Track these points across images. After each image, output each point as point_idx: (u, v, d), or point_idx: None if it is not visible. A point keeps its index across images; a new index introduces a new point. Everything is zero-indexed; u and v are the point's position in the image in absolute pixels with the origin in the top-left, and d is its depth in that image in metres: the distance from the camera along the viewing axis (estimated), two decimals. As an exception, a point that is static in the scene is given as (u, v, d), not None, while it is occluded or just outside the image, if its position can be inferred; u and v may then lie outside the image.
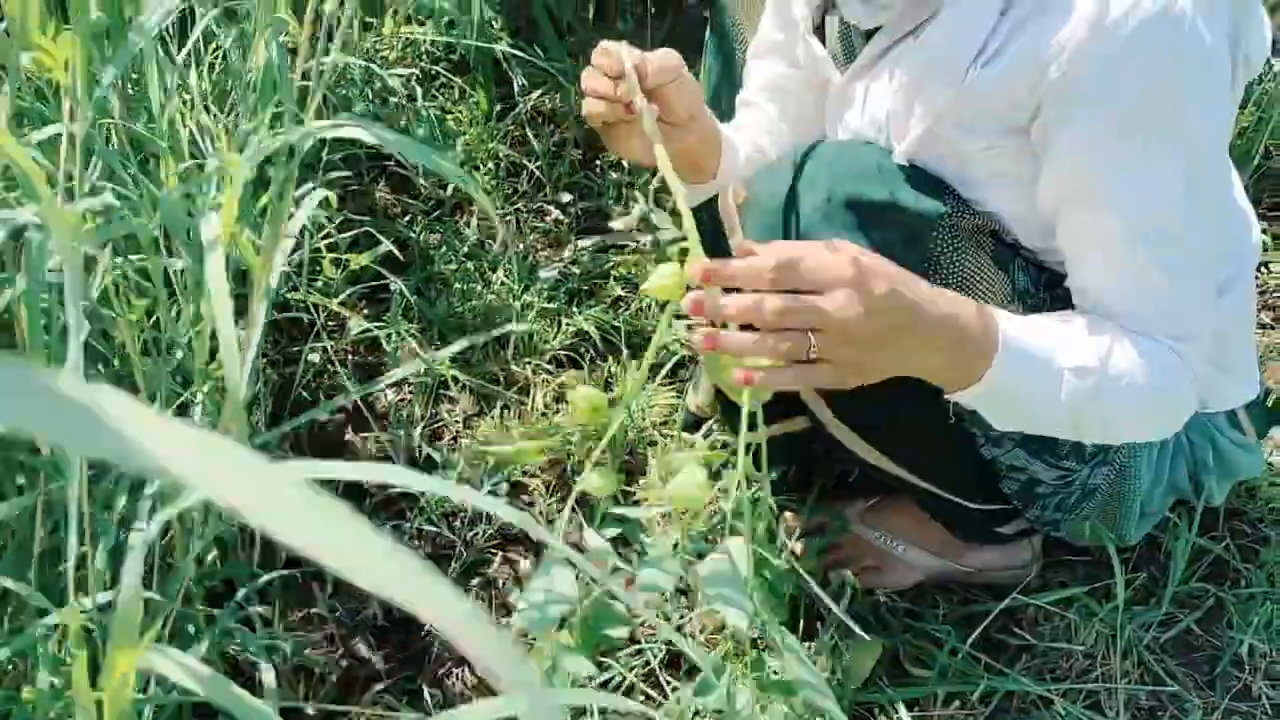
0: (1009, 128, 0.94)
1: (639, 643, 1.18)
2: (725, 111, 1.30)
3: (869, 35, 1.02)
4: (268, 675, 0.99)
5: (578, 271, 1.60)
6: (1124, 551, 1.21)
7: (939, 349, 0.88)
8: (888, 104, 0.99)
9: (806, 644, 1.18)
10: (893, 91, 0.98)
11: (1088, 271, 0.96)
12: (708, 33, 1.32)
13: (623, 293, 1.58)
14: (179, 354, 1.03)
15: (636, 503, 1.32)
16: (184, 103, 1.33)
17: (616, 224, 1.68)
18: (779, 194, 0.98)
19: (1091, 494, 1.09)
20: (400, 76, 1.72)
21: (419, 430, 1.37)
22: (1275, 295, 1.61)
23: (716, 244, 1.04)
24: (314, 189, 1.10)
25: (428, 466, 1.34)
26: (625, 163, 1.76)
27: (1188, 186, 0.91)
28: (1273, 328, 1.55)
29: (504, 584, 1.25)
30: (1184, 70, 0.87)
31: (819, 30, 1.09)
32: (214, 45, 1.50)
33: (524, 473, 1.35)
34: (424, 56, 1.83)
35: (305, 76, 1.29)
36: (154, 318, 1.07)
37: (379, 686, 1.14)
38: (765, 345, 0.81)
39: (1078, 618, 1.20)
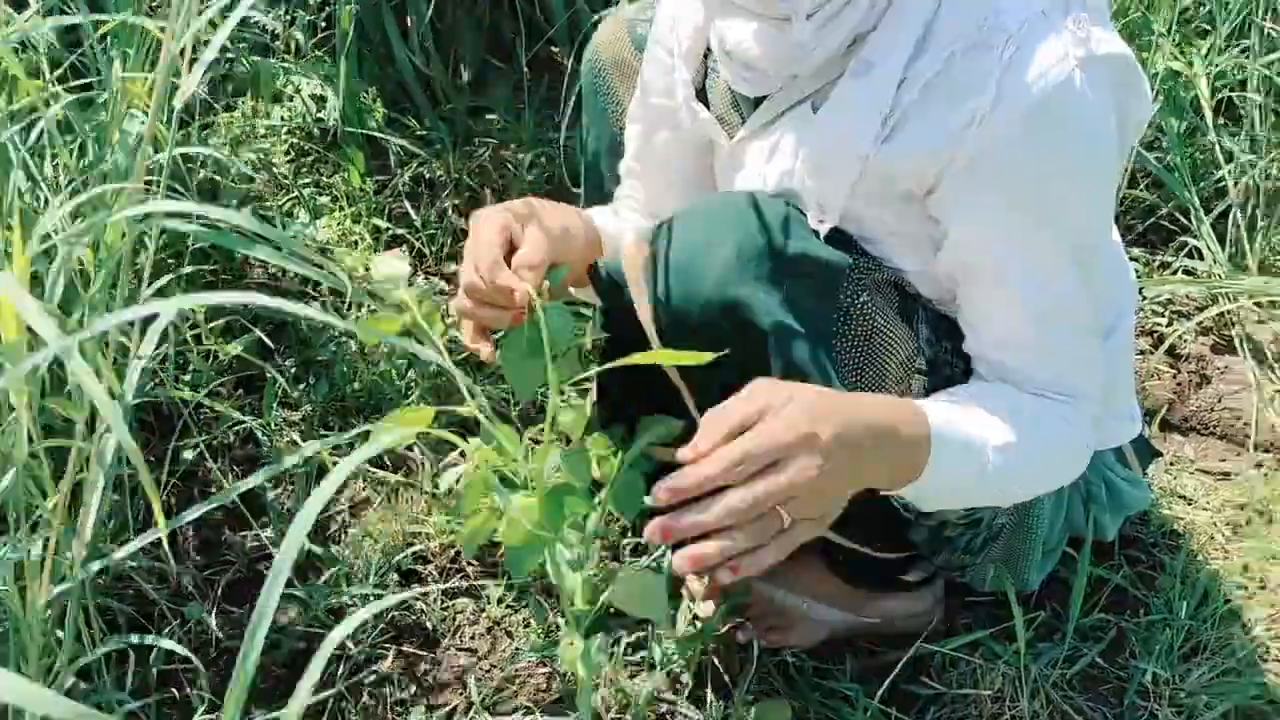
0: (905, 196, 0.95)
1: (542, 730, 1.14)
2: (607, 175, 1.29)
3: (757, 101, 1.02)
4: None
5: (463, 343, 1.56)
6: (1025, 589, 1.20)
7: (886, 460, 0.88)
8: (786, 174, 0.99)
9: (716, 708, 1.15)
10: (791, 163, 0.98)
11: (983, 338, 0.99)
12: (584, 98, 1.31)
13: (511, 362, 1.54)
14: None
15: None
16: (34, 194, 1.27)
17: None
18: (685, 248, 0.96)
19: (998, 535, 1.10)
20: (262, 157, 1.67)
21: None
22: (1147, 322, 1.65)
23: (619, 302, 1.02)
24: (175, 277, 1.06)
25: (311, 561, 1.29)
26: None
27: (1078, 260, 0.94)
28: (1151, 352, 1.59)
29: (398, 679, 1.19)
30: (1076, 150, 0.90)
31: (700, 93, 1.09)
32: (70, 135, 1.44)
33: (415, 558, 1.29)
34: (296, 132, 1.79)
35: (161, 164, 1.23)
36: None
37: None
38: (742, 541, 0.80)
39: (983, 661, 1.19)
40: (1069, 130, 0.89)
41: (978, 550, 1.13)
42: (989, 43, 0.89)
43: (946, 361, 1.03)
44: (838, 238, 0.99)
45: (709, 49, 1.09)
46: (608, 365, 0.87)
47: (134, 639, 1.03)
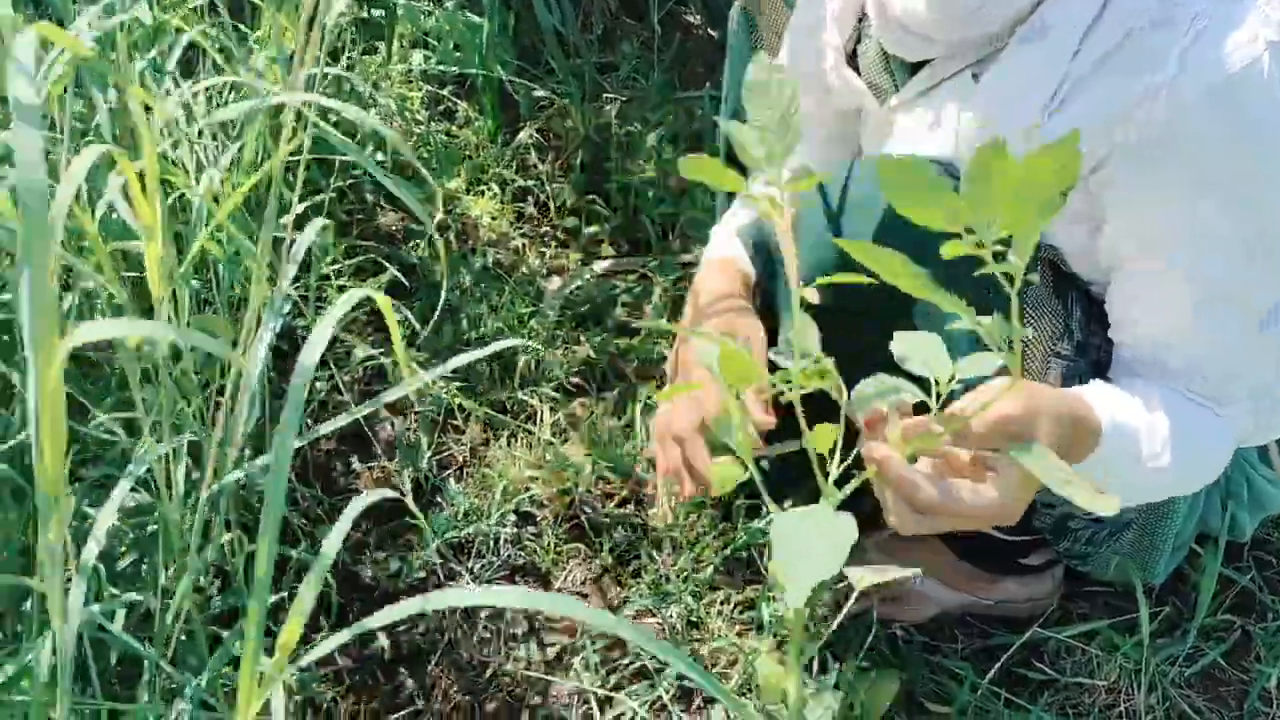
0: None
1: (651, 677, 1.15)
2: None
3: (913, 67, 1.01)
4: (277, 701, 0.96)
5: (583, 297, 1.58)
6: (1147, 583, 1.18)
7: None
8: (944, 143, 0.97)
9: (822, 677, 1.15)
10: (951, 132, 0.96)
11: (1139, 324, 0.95)
12: (726, 59, 1.30)
13: (627, 318, 1.56)
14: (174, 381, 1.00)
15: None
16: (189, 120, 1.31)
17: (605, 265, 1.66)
18: (827, 215, 0.96)
19: (1125, 527, 1.07)
20: (399, 102, 1.71)
21: (426, 459, 1.35)
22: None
23: (767, 268, 1.02)
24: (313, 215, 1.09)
25: (434, 496, 1.32)
26: (631, 189, 1.75)
27: (1256, 249, 0.90)
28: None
29: (511, 616, 1.22)
30: (1261, 133, 0.86)
31: (850, 57, 1.08)
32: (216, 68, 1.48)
33: (532, 502, 1.32)
34: (431, 80, 1.82)
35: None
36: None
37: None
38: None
39: (1100, 652, 1.17)
40: (1253, 112, 0.85)
41: (1102, 541, 1.10)
42: (1174, 18, 0.86)
43: (1096, 346, 1.00)
44: None
45: (863, 12, 1.07)
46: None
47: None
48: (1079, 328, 0.98)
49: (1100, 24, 0.88)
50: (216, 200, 1.22)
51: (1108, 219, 0.93)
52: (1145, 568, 1.12)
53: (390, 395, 1.09)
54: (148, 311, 1.06)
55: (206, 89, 1.41)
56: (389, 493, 0.72)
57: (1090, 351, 0.98)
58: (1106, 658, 1.16)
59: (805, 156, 1.19)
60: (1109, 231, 0.93)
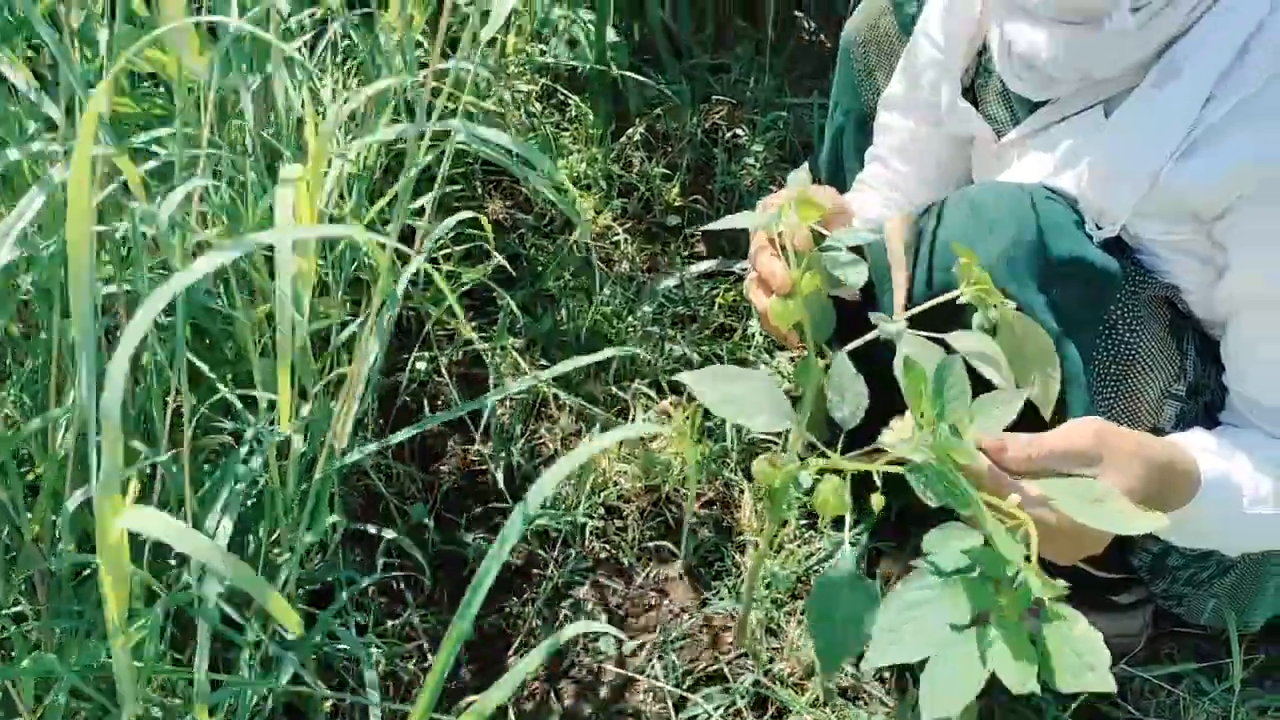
0: (1191, 216, 0.92)
1: (727, 681, 1.16)
2: (849, 151, 1.28)
3: (1034, 103, 1.00)
4: (369, 673, 0.99)
5: (683, 296, 1.59)
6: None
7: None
8: (1065, 180, 0.96)
9: (897, 697, 1.15)
10: (1072, 170, 0.95)
11: (1247, 374, 0.94)
12: (836, 71, 1.30)
13: (726, 320, 1.56)
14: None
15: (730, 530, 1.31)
16: (314, 108, 1.36)
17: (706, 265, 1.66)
18: (958, 233, 0.95)
19: (1227, 570, 1.05)
20: (520, 93, 1.74)
21: (518, 446, 1.37)
22: None
23: (880, 282, 1.02)
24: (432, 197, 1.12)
25: (525, 482, 1.35)
26: (735, 191, 1.75)
27: None
28: None
29: (591, 608, 1.24)
30: None
31: (968, 90, 1.07)
32: (348, 52, 1.53)
33: (619, 498, 1.34)
34: (545, 72, 1.84)
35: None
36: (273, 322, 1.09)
37: (466, 701, 1.14)
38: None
39: (1187, 695, 1.15)
40: None
41: (1201, 584, 1.08)
42: None
43: (1209, 388, 0.98)
44: (1112, 245, 0.95)
45: (984, 45, 1.06)
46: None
47: (370, 528, 1.11)
48: (1194, 368, 0.96)
49: (1237, 70, 0.86)
50: (345, 190, 1.27)
51: (1230, 264, 0.91)
52: (1242, 613, 1.10)
53: (496, 395, 1.12)
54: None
55: (337, 77, 1.46)
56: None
57: (1203, 394, 0.97)
58: (1193, 701, 1.14)
59: (916, 180, 1.19)
60: (1229, 277, 0.91)
